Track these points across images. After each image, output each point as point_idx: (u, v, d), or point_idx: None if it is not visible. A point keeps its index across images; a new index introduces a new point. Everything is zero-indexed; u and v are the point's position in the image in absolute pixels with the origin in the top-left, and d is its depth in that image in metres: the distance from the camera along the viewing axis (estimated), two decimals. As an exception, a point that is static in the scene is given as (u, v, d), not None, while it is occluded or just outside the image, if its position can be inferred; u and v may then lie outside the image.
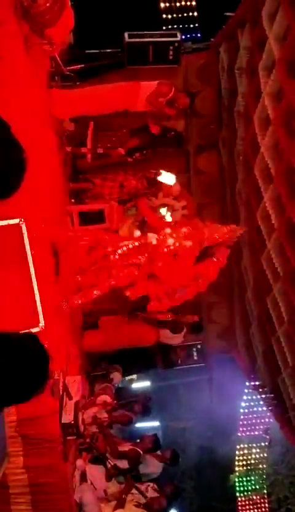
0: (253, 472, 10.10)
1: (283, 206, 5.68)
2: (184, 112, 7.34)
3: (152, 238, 4.71)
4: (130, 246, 4.68)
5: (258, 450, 9.96)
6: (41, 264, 3.85)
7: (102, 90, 5.93)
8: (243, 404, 9.20)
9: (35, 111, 4.65)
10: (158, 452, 5.95)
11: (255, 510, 10.04)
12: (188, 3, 8.88)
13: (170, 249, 4.67)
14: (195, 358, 8.13)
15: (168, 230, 4.78)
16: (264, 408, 8.63)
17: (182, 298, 4.97)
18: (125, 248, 4.67)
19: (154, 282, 4.80)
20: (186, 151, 7.78)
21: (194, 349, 8.07)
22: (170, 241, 4.67)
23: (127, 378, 7.64)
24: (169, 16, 8.89)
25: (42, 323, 3.72)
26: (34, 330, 3.71)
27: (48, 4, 4.35)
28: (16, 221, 3.55)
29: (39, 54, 4.94)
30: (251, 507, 10.09)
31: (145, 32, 7.01)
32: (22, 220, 3.55)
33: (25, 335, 1.94)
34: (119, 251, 4.63)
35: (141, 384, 8.92)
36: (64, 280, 4.62)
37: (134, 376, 8.22)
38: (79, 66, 6.76)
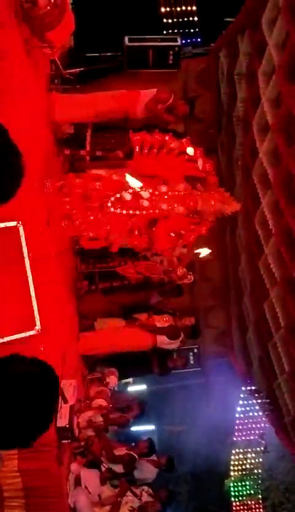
0: (248, 477, 10.09)
1: (281, 211, 5.69)
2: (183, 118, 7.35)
3: (145, 195, 4.69)
4: (124, 195, 4.70)
5: (253, 455, 9.95)
6: (37, 267, 3.84)
7: (102, 97, 5.94)
8: (238, 409, 9.19)
9: (34, 114, 4.65)
10: (154, 457, 5.94)
11: (250, 515, 10.03)
12: (188, 8, 8.89)
13: (162, 211, 4.71)
14: (192, 362, 8.12)
15: (163, 188, 4.76)
16: (260, 413, 8.63)
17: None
18: (118, 195, 4.70)
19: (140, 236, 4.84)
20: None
21: (190, 353, 8.06)
22: (163, 206, 4.69)
23: (123, 381, 7.62)
24: (170, 21, 8.90)
25: (38, 326, 3.72)
26: (31, 332, 3.70)
27: (48, 7, 4.35)
28: (13, 223, 3.55)
29: (39, 57, 4.94)
30: (246, 512, 10.08)
31: (145, 36, 7.03)
32: (20, 222, 3.55)
33: (36, 364, 1.80)
34: (112, 198, 4.66)
35: (136, 387, 8.91)
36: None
37: (130, 380, 8.21)
38: (79, 69, 6.76)
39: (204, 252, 5.37)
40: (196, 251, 5.39)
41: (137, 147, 4.93)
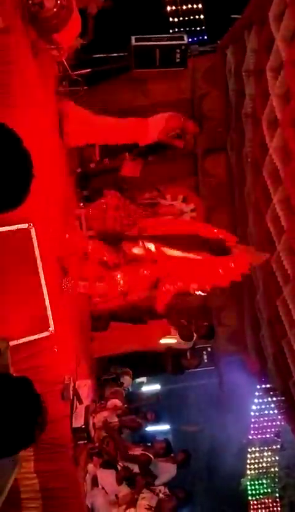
0: (265, 476, 10.03)
1: (292, 208, 5.65)
2: (191, 116, 7.35)
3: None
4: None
5: (270, 453, 9.88)
6: (50, 268, 3.85)
7: (112, 124, 5.97)
8: (254, 407, 9.13)
9: (43, 116, 4.66)
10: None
11: (267, 513, 9.98)
12: (194, 6, 8.85)
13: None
14: (205, 361, 8.10)
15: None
16: (275, 411, 8.58)
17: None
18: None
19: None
20: (194, 154, 7.77)
21: (204, 352, 8.04)
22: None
23: (137, 381, 7.62)
24: (176, 20, 8.87)
25: (52, 327, 3.72)
26: (44, 334, 3.71)
27: (55, 9, 4.35)
28: (25, 225, 3.55)
29: (47, 59, 4.95)
30: (263, 510, 10.02)
31: (152, 35, 7.03)
32: (31, 224, 3.56)
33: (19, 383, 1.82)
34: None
35: (150, 387, 8.90)
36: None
37: (144, 380, 8.21)
38: (87, 70, 6.77)
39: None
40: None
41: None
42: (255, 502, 10.02)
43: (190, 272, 4.56)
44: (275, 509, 10.07)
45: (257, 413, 9.27)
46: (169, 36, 7.52)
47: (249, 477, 10.01)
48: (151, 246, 4.56)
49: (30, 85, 4.15)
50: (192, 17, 8.89)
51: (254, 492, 10.03)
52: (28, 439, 1.80)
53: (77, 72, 6.33)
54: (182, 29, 8.62)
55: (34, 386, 1.86)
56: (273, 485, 10.08)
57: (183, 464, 5.98)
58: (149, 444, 6.07)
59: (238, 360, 8.42)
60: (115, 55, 7.27)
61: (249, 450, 9.84)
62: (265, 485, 10.03)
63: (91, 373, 5.79)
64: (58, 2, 4.33)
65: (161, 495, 5.28)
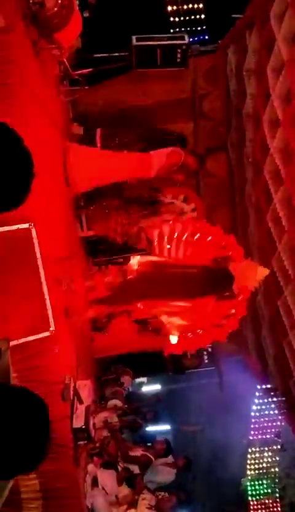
0: (265, 476, 10.02)
1: (293, 208, 5.64)
2: (192, 116, 7.36)
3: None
4: None
5: (270, 454, 9.87)
6: (50, 268, 3.84)
7: (115, 162, 5.98)
8: (254, 407, 9.13)
9: (44, 116, 4.66)
10: (171, 458, 5.94)
11: (268, 514, 9.97)
12: (195, 5, 8.86)
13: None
14: (206, 361, 8.10)
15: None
16: (276, 412, 8.57)
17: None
18: None
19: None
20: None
21: (205, 352, 8.03)
22: None
23: (137, 381, 7.62)
24: (177, 19, 8.88)
25: (52, 327, 3.71)
26: (45, 334, 3.70)
27: (56, 9, 4.34)
28: (26, 225, 3.55)
29: (48, 58, 4.95)
30: (264, 511, 10.01)
31: (152, 35, 7.02)
32: (32, 224, 3.55)
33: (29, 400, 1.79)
34: None
35: (151, 387, 8.90)
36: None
37: (144, 380, 8.21)
38: (87, 70, 6.76)
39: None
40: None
41: (155, 240, 4.66)
42: (255, 502, 10.01)
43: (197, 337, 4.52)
44: (275, 509, 10.06)
45: (257, 414, 9.26)
46: (170, 35, 7.51)
47: (249, 477, 10.00)
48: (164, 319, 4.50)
49: (31, 85, 4.14)
50: (192, 17, 8.90)
51: (254, 492, 10.02)
52: (30, 466, 1.77)
53: (77, 72, 6.33)
54: (183, 29, 8.62)
55: (48, 411, 1.81)
56: (273, 485, 10.07)
57: (184, 469, 5.99)
58: (150, 444, 6.07)
59: (239, 361, 8.41)
60: (116, 54, 7.26)
61: (250, 450, 9.83)
62: (265, 486, 10.03)
63: (92, 373, 5.78)
64: (59, 1, 4.33)
65: (160, 497, 5.28)
